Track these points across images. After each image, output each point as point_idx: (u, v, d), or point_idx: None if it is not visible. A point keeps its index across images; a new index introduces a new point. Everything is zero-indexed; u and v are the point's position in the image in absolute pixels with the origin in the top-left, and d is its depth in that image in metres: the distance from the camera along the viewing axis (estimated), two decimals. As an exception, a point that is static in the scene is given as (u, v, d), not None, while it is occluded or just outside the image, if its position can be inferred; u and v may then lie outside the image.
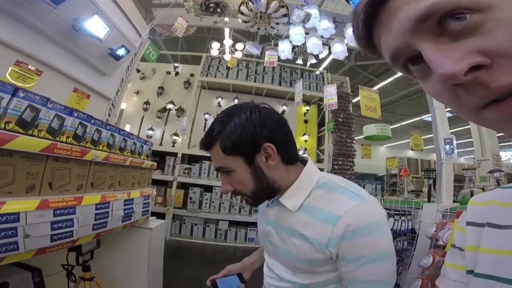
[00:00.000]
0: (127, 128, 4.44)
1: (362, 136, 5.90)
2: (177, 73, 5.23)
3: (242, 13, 2.63)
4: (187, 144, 4.82)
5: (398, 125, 11.52)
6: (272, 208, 0.80)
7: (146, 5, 2.50)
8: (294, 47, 3.24)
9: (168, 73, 5.18)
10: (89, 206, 1.24)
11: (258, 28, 2.80)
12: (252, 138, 0.68)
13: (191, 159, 4.69)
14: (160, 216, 4.16)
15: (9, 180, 0.90)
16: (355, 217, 0.63)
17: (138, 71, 4.92)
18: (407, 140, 6.52)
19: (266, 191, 0.74)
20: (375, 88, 6.01)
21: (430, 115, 2.45)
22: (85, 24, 1.40)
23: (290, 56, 3.30)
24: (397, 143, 13.30)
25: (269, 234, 0.79)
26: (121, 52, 1.70)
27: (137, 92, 5.04)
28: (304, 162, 0.80)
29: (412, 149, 5.23)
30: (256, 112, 0.70)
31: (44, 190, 1.04)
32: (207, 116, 4.92)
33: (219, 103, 5.21)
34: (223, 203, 4.42)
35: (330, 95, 3.40)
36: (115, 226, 1.48)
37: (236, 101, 5.11)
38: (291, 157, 0.76)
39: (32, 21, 1.33)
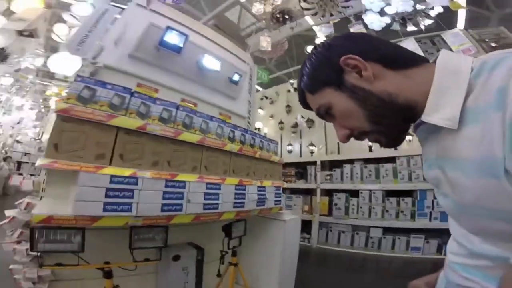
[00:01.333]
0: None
1: None
2: (295, 89, 5.69)
3: (305, 9, 2.70)
4: (324, 152, 4.96)
5: None
6: (426, 142, 0.54)
7: (239, 39, 3.08)
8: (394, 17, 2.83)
9: (288, 91, 5.73)
10: (230, 186, 1.68)
11: (331, 14, 2.72)
12: (325, 62, 0.58)
13: (331, 166, 4.76)
14: (307, 224, 4.42)
15: (182, 161, 1.47)
16: None
17: (266, 97, 5.89)
18: None
19: (387, 113, 0.52)
20: None
21: None
22: (203, 62, 2.03)
23: (383, 24, 2.88)
24: None
25: (438, 183, 0.52)
26: (236, 77, 2.28)
27: (272, 116, 5.88)
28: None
29: None
30: (321, 43, 0.62)
31: (202, 171, 1.57)
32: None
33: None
34: (373, 208, 4.01)
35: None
36: (251, 208, 1.85)
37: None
38: (400, 59, 0.54)
39: (179, 70, 2.03)
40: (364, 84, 0.53)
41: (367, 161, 4.25)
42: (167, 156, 1.43)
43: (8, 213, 1.48)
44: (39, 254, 1.32)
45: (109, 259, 1.44)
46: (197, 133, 1.59)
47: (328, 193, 4.58)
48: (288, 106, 5.63)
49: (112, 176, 1.18)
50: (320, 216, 4.44)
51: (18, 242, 1.52)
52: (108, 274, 1.43)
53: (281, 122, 5.60)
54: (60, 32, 3.00)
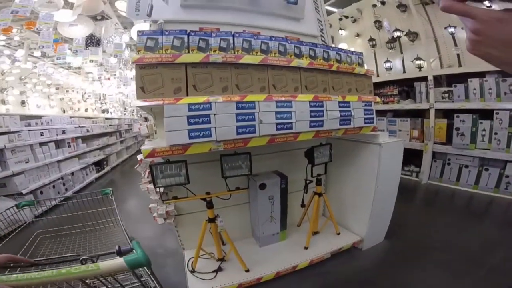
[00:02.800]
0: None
1: None
2: (383, 2, 4.61)
3: None
4: (438, 65, 3.96)
5: None
6: None
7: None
8: None
9: (374, 5, 4.71)
10: (303, 103, 1.57)
11: None
12: None
13: (449, 81, 3.78)
14: (416, 154, 3.74)
15: (249, 83, 1.47)
16: None
17: (346, 17, 5.13)
18: None
19: None
20: None
21: None
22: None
23: None
24: None
25: None
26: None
27: (358, 35, 5.12)
28: None
29: None
30: None
31: (271, 90, 1.53)
32: (451, 29, 3.74)
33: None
34: (517, 132, 2.93)
35: None
36: (332, 127, 1.69)
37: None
38: None
39: (233, 4, 1.94)
40: None
41: (506, 74, 3.08)
42: (234, 80, 1.48)
43: (139, 157, 1.89)
44: (161, 190, 1.66)
45: (209, 191, 1.70)
46: (258, 55, 1.55)
47: (446, 114, 3.68)
48: (377, 21, 4.76)
49: (189, 104, 1.31)
50: (434, 145, 3.69)
51: (150, 182, 1.96)
52: (209, 204, 1.69)
53: (371, 39, 4.85)
54: (123, 7, 3.38)
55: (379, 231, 2.14)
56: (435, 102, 3.70)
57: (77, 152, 4.92)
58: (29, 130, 3.64)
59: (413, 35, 4.23)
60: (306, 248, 2.00)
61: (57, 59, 4.90)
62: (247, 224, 2.21)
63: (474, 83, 3.32)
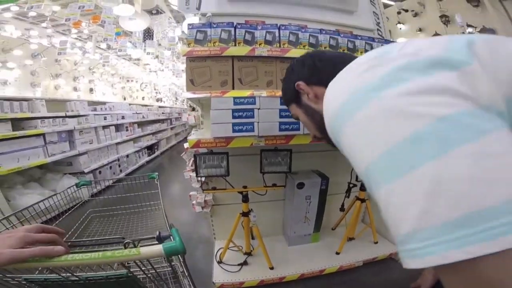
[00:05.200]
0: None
1: None
2: None
3: None
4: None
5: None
6: None
7: None
8: None
9: None
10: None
11: None
12: (289, 84, 0.78)
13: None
14: None
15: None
16: None
17: (405, 10, 4.79)
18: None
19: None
20: None
21: None
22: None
23: None
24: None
25: None
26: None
27: (420, 30, 4.66)
28: None
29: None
30: (290, 65, 0.81)
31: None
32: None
33: None
34: None
35: None
36: None
37: None
38: (328, 79, 0.56)
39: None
40: (311, 103, 0.72)
41: None
42: (279, 75, 1.44)
43: (185, 145, 1.98)
44: (202, 179, 1.71)
45: (246, 184, 1.71)
46: (305, 48, 1.48)
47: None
48: (443, 16, 4.27)
49: (234, 97, 1.32)
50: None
51: (192, 171, 2.04)
52: (245, 198, 1.70)
53: (436, 35, 4.40)
54: (175, 1, 3.52)
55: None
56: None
57: (133, 136, 5.40)
58: (94, 114, 4.10)
59: (489, 32, 3.67)
60: (337, 253, 1.90)
61: (119, 51, 5.42)
62: (278, 221, 2.18)
63: None
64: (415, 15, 4.72)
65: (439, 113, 0.32)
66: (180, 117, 10.13)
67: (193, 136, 1.46)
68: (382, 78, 0.38)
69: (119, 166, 4.60)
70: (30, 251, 0.50)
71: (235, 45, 1.46)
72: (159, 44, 5.15)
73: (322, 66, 0.71)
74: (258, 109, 1.33)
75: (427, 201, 0.30)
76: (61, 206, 1.29)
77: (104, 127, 4.30)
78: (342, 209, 1.96)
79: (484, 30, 3.66)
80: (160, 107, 9.03)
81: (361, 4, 2.06)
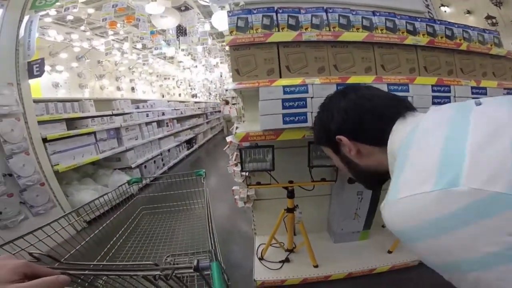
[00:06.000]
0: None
1: None
2: None
3: None
4: None
5: None
6: None
7: None
8: None
9: None
10: (424, 86, 1.25)
11: None
12: (326, 132, 0.75)
13: None
14: None
15: (350, 63, 1.25)
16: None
17: None
18: None
19: (368, 178, 0.76)
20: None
21: None
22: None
23: None
24: None
25: None
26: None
27: (469, 12, 4.10)
28: None
29: None
30: (325, 107, 0.78)
31: (378, 71, 1.28)
32: None
33: None
34: None
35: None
36: None
37: None
38: (380, 139, 0.63)
39: None
40: (352, 157, 0.71)
41: None
42: (332, 60, 1.29)
43: (228, 139, 1.93)
44: (247, 174, 1.65)
45: (292, 179, 1.61)
46: (360, 31, 1.31)
47: None
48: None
49: (284, 86, 1.21)
50: None
51: (236, 165, 1.99)
52: (291, 194, 1.60)
53: (489, 17, 3.86)
54: None
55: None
56: None
57: (173, 131, 5.60)
58: (138, 112, 4.29)
59: None
60: (389, 252, 1.76)
61: (154, 49, 5.57)
62: (323, 217, 2.06)
63: None
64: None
65: None
66: (215, 111, 10.28)
67: (241, 130, 1.38)
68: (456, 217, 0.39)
69: (162, 160, 4.80)
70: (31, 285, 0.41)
71: (278, 30, 1.34)
72: (192, 41, 5.18)
73: (369, 121, 0.66)
74: (311, 97, 1.20)
75: None
76: (114, 200, 1.34)
77: (147, 123, 4.49)
78: (397, 207, 1.78)
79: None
80: (195, 102, 9.25)
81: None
